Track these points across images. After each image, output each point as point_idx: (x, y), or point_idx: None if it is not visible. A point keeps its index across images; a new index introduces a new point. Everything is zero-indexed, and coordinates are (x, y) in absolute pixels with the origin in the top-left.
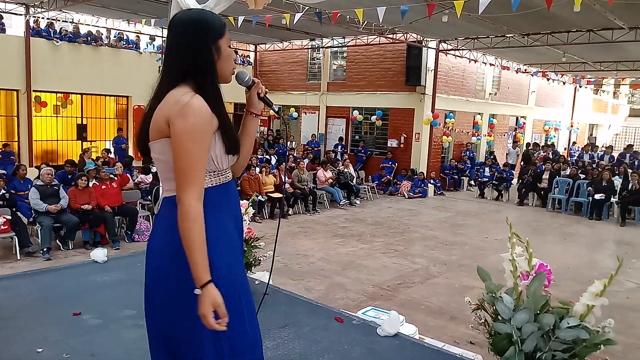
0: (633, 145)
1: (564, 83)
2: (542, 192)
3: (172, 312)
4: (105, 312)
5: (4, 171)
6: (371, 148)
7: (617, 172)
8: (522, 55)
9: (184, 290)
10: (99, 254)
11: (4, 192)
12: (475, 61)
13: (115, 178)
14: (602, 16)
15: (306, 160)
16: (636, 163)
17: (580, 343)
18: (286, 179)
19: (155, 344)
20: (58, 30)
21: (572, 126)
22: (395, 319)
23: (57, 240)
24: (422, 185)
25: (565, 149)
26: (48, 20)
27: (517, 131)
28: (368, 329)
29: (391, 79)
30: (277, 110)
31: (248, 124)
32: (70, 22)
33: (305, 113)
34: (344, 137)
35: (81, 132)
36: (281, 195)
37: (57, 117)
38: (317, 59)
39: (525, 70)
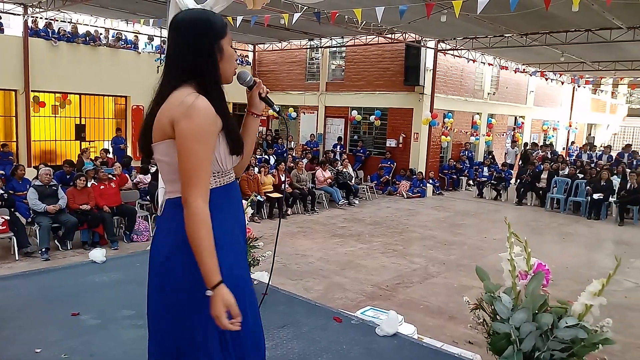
0: (631, 145)
1: (563, 83)
2: (541, 192)
3: (179, 313)
4: (104, 312)
5: (2, 171)
6: (370, 148)
7: (615, 172)
8: (521, 55)
9: (191, 292)
10: (98, 254)
11: (2, 192)
12: (474, 61)
13: (114, 178)
14: (600, 16)
15: (305, 160)
16: (634, 163)
17: (579, 342)
18: (285, 179)
19: (155, 345)
20: (56, 30)
21: (570, 126)
22: (393, 318)
23: (56, 241)
24: (421, 185)
25: (563, 148)
26: (46, 20)
27: (516, 131)
28: (367, 329)
29: (390, 79)
30: (277, 110)
31: (249, 124)
32: (68, 22)
33: (304, 113)
34: (342, 137)
35: (79, 132)
36: (280, 195)
37: (55, 117)
38: (315, 58)
39: (524, 70)
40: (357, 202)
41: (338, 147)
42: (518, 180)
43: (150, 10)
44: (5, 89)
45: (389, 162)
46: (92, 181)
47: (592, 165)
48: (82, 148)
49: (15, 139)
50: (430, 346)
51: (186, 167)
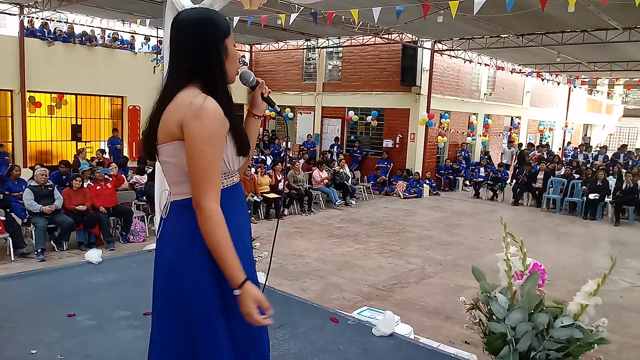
0: (627, 146)
1: (559, 83)
2: (537, 192)
3: (187, 312)
4: (100, 313)
5: None
6: (367, 148)
7: (611, 172)
8: (517, 55)
9: (197, 292)
10: (94, 254)
11: None
12: (470, 61)
13: (110, 179)
14: (596, 17)
15: (302, 161)
16: (630, 163)
17: (574, 342)
18: (284, 179)
19: (160, 343)
20: (52, 31)
21: (566, 126)
22: (390, 319)
23: (52, 241)
24: (418, 185)
25: (559, 149)
26: (42, 21)
27: (512, 131)
28: (363, 329)
29: (386, 79)
30: (279, 110)
31: (250, 126)
32: (64, 22)
33: (301, 113)
34: (339, 138)
35: (76, 132)
36: (277, 196)
37: (51, 117)
38: (312, 59)
39: (520, 70)
40: (353, 202)
41: (335, 147)
42: (514, 181)
43: (147, 10)
44: (1, 89)
45: (385, 163)
46: (88, 182)
47: (588, 165)
48: (78, 148)
49: (11, 140)
50: (426, 346)
51: (197, 169)
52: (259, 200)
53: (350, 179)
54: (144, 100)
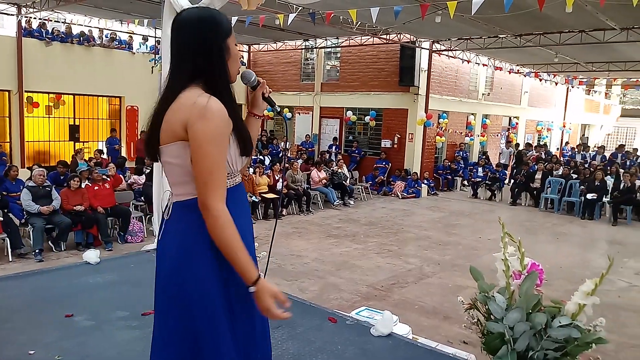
0: (624, 145)
1: (557, 83)
2: (535, 192)
3: (190, 313)
4: (98, 313)
5: None
6: (365, 148)
7: (609, 172)
8: (515, 55)
9: (200, 292)
10: (92, 255)
11: None
12: (468, 62)
13: (108, 179)
14: (593, 17)
15: (300, 161)
16: (628, 163)
17: (572, 342)
18: (282, 179)
19: (162, 343)
20: (50, 31)
21: (564, 126)
22: (388, 319)
23: (49, 242)
24: (416, 185)
25: (557, 149)
26: (40, 21)
27: (510, 131)
28: (361, 329)
29: (385, 80)
30: (279, 111)
31: (251, 126)
32: (62, 22)
33: (299, 113)
34: (337, 138)
35: (73, 132)
36: (275, 196)
37: (49, 117)
38: (310, 59)
39: (518, 70)
40: (352, 202)
41: (333, 147)
42: (512, 181)
43: (145, 10)
44: None
45: (383, 163)
46: (86, 182)
47: (586, 165)
48: (76, 149)
49: (8, 140)
50: (425, 346)
51: (203, 169)
52: (257, 200)
53: (348, 179)
54: (142, 101)
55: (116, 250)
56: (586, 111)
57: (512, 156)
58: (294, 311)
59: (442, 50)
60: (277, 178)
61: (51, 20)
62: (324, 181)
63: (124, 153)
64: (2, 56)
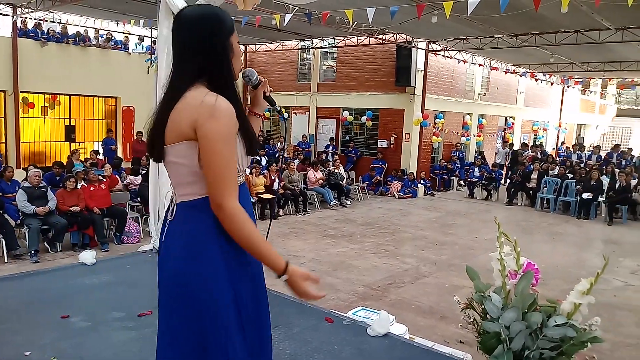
0: (620, 145)
1: (552, 83)
2: (531, 192)
3: (196, 313)
4: (94, 314)
5: None
6: (361, 148)
7: (604, 172)
8: (511, 55)
9: (206, 291)
10: (88, 256)
11: None
12: (465, 62)
13: (104, 179)
14: (589, 17)
15: (296, 161)
16: (623, 162)
17: (568, 341)
18: (279, 180)
19: (169, 342)
20: (46, 31)
21: (560, 126)
22: (385, 318)
23: (45, 243)
24: (412, 185)
25: (553, 149)
26: (35, 21)
27: (506, 131)
28: (358, 329)
29: (381, 80)
30: (279, 110)
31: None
32: (58, 22)
33: (296, 114)
34: (334, 138)
35: (69, 133)
36: (271, 196)
37: (44, 118)
38: (307, 59)
39: (514, 70)
40: (348, 202)
41: (330, 147)
42: (508, 181)
43: (141, 10)
44: None
45: (380, 163)
46: (82, 182)
47: (582, 165)
48: (72, 149)
49: (4, 140)
50: (421, 346)
51: (215, 169)
52: (253, 200)
53: (345, 179)
54: (138, 101)
55: (112, 251)
56: (582, 111)
57: (508, 156)
58: (290, 311)
59: (439, 51)
60: (273, 178)
61: (47, 21)
62: (321, 181)
63: (120, 153)
64: None
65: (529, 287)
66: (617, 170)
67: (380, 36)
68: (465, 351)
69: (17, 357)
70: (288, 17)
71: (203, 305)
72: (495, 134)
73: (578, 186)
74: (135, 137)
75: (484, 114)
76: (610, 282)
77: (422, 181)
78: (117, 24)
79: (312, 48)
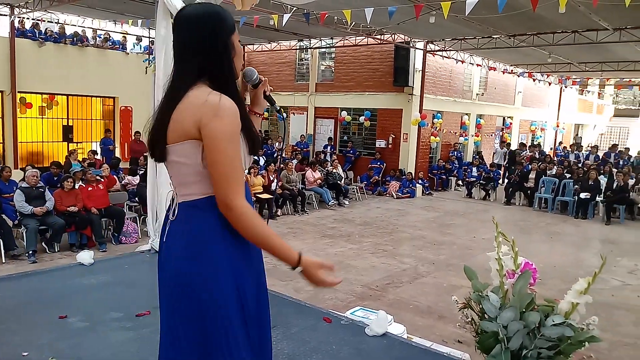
0: (618, 145)
1: (550, 83)
2: (529, 192)
3: (198, 313)
4: (92, 314)
5: None
6: (360, 148)
7: (602, 172)
8: (509, 56)
9: (208, 290)
10: (85, 256)
11: None
12: (463, 62)
13: (102, 180)
14: (586, 17)
15: (295, 161)
16: (621, 162)
17: (565, 340)
18: (277, 180)
19: (170, 341)
20: (43, 31)
21: (558, 126)
22: (383, 318)
23: (43, 243)
24: (411, 185)
25: (551, 148)
26: (33, 21)
27: (504, 131)
28: (356, 329)
29: (379, 80)
30: (278, 109)
31: None
32: (55, 22)
33: (294, 114)
34: (332, 138)
35: (67, 133)
36: (269, 196)
37: (42, 118)
38: (305, 59)
39: (512, 70)
40: (347, 202)
41: (328, 147)
42: (506, 180)
43: (138, 10)
44: None
45: (378, 163)
46: (80, 183)
47: (580, 165)
48: (70, 149)
49: (1, 141)
50: (419, 345)
51: (221, 168)
52: (252, 200)
53: (343, 179)
54: (136, 101)
55: (110, 251)
56: (579, 111)
57: (505, 156)
58: (288, 311)
59: (436, 51)
60: (271, 178)
61: (44, 21)
62: (319, 181)
63: (118, 154)
64: None
65: (527, 287)
66: (614, 170)
67: (378, 36)
68: (464, 351)
69: (14, 357)
70: (286, 17)
71: (203, 305)
72: (493, 134)
73: (576, 186)
74: (133, 137)
75: (482, 114)
76: (607, 282)
77: (420, 181)
78: (115, 24)
79: (310, 48)
